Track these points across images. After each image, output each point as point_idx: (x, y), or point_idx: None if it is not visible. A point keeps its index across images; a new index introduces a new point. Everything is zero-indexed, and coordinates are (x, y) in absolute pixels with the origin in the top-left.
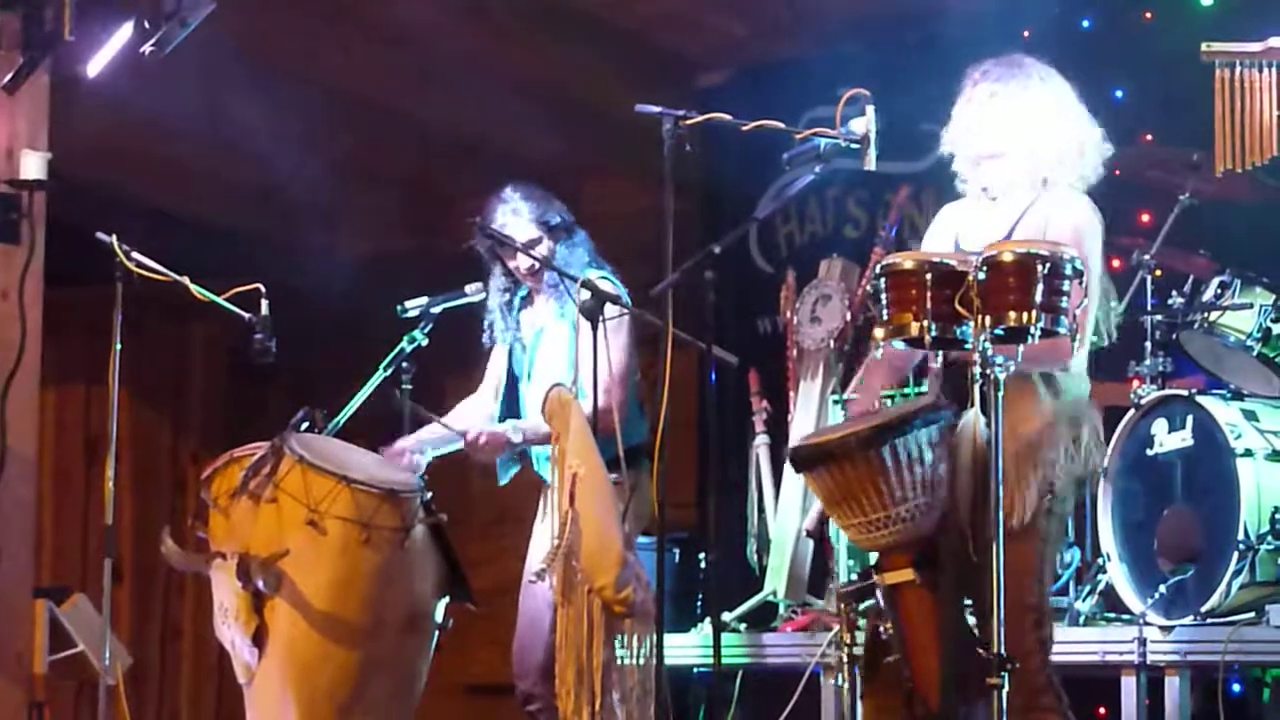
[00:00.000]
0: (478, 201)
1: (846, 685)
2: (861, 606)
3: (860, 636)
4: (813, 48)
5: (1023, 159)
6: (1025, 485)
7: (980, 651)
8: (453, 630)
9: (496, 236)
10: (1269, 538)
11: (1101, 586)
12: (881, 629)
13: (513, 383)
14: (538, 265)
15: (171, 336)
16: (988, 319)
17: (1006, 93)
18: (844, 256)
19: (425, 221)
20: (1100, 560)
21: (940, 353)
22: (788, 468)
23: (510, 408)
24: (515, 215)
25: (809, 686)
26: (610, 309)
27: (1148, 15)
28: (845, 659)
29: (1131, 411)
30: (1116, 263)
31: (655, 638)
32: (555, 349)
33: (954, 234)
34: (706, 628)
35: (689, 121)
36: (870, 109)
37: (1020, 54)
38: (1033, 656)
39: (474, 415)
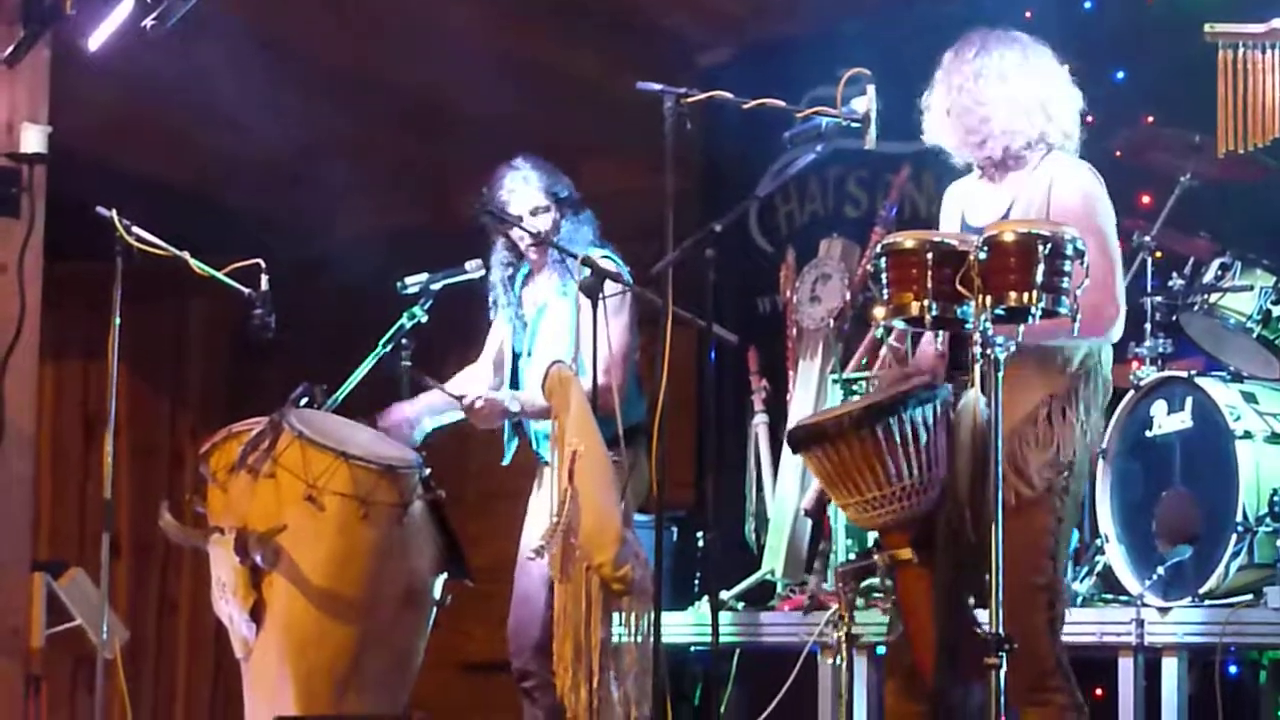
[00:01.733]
0: (478, 179)
1: (845, 664)
2: (861, 585)
3: (860, 616)
4: (813, 26)
5: (989, 126)
6: (1026, 460)
7: (978, 631)
8: (449, 607)
9: (496, 213)
10: (1267, 520)
11: (1099, 568)
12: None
13: (514, 359)
14: (541, 236)
15: (171, 312)
16: (988, 299)
17: (945, 76)
18: (844, 236)
19: (425, 199)
20: (1098, 541)
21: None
22: (786, 447)
23: (511, 384)
24: (525, 183)
25: (806, 665)
26: (610, 287)
27: None
28: (844, 638)
29: (1131, 393)
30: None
31: (653, 616)
32: (557, 326)
33: (960, 211)
34: (704, 606)
35: (690, 100)
36: (871, 88)
37: (979, 30)
38: (1042, 636)
39: (472, 385)
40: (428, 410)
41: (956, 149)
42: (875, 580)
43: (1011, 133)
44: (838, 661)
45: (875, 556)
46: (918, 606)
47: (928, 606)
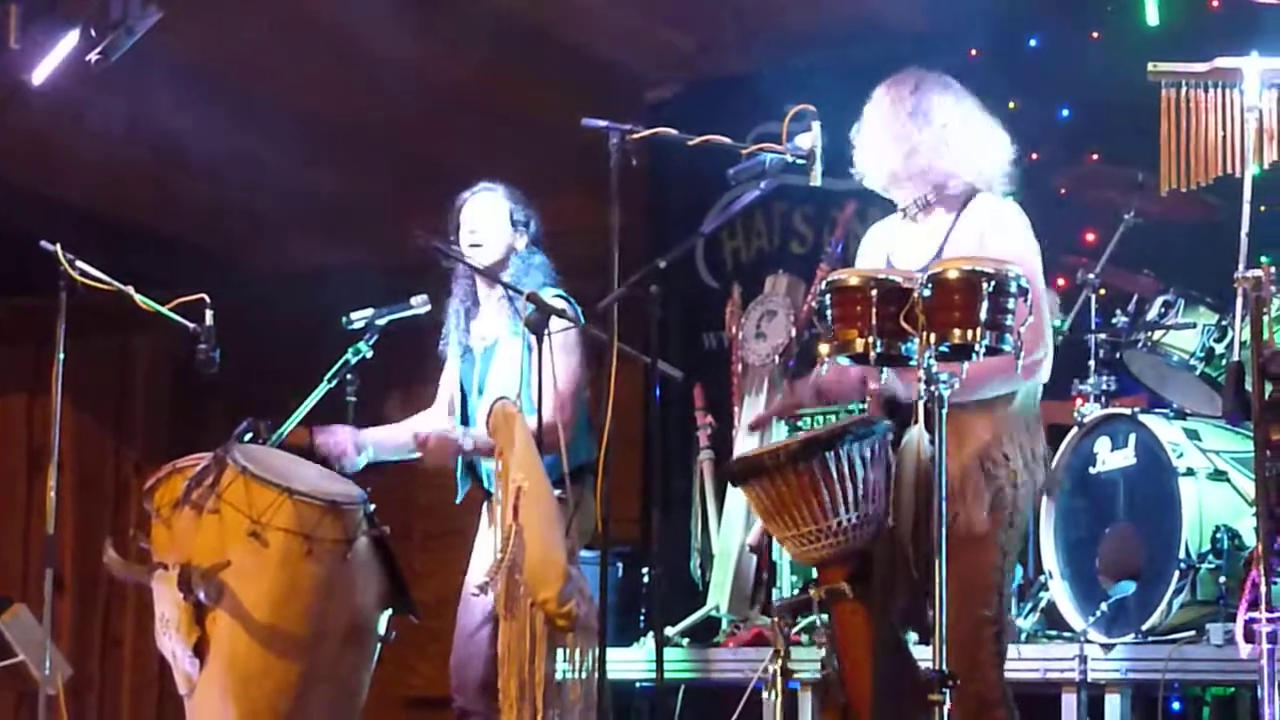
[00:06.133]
0: (423, 214)
1: (780, 700)
2: (804, 621)
3: (795, 651)
4: (760, 63)
5: (911, 170)
6: (976, 499)
7: (922, 667)
8: (393, 643)
9: (442, 247)
10: (1210, 557)
11: (1043, 604)
12: (819, 644)
13: (463, 397)
14: (485, 270)
15: (115, 347)
16: (933, 336)
17: (879, 111)
18: (790, 272)
19: (371, 233)
20: (1042, 578)
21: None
22: None
23: (463, 422)
24: (494, 200)
25: (751, 701)
26: (556, 323)
27: (1094, 35)
28: (778, 674)
29: (1074, 430)
30: (1061, 281)
31: (598, 652)
32: (509, 363)
33: (885, 253)
34: (649, 642)
35: (635, 136)
36: (816, 124)
37: (912, 69)
38: (989, 669)
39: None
40: (376, 443)
41: (885, 187)
42: (818, 616)
43: (942, 173)
44: (773, 697)
45: (811, 592)
46: (852, 642)
47: (862, 642)
